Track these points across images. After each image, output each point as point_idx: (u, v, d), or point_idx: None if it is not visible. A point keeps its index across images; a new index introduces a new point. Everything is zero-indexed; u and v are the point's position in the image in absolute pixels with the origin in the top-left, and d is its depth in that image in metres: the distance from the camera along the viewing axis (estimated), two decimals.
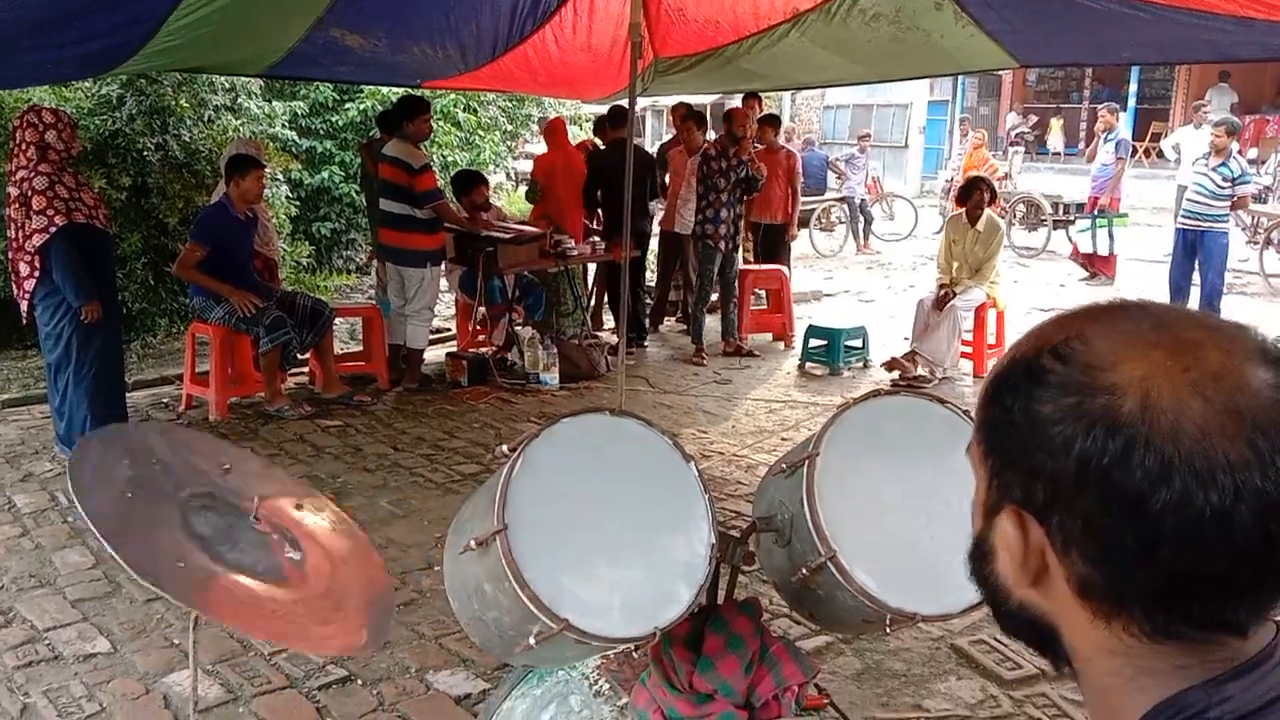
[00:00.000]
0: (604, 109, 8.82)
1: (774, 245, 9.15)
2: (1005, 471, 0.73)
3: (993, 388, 0.75)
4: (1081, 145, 21.55)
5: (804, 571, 1.67)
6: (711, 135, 8.92)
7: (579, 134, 11.96)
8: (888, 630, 1.67)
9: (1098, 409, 0.66)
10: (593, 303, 8.86)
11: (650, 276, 10.24)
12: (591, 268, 8.87)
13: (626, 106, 8.36)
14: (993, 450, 0.74)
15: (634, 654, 1.63)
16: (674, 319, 9.25)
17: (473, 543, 1.55)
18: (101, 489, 1.79)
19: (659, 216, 8.77)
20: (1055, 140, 21.98)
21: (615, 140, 8.33)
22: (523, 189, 11.75)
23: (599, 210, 8.59)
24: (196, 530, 1.81)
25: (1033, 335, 0.75)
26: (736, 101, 9.38)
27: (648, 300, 9.20)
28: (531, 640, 1.55)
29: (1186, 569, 0.65)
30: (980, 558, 0.78)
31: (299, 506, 2.07)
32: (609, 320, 8.95)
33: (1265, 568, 0.65)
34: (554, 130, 8.51)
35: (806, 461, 1.69)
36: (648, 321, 8.78)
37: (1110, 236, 11.50)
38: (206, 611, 1.66)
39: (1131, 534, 0.65)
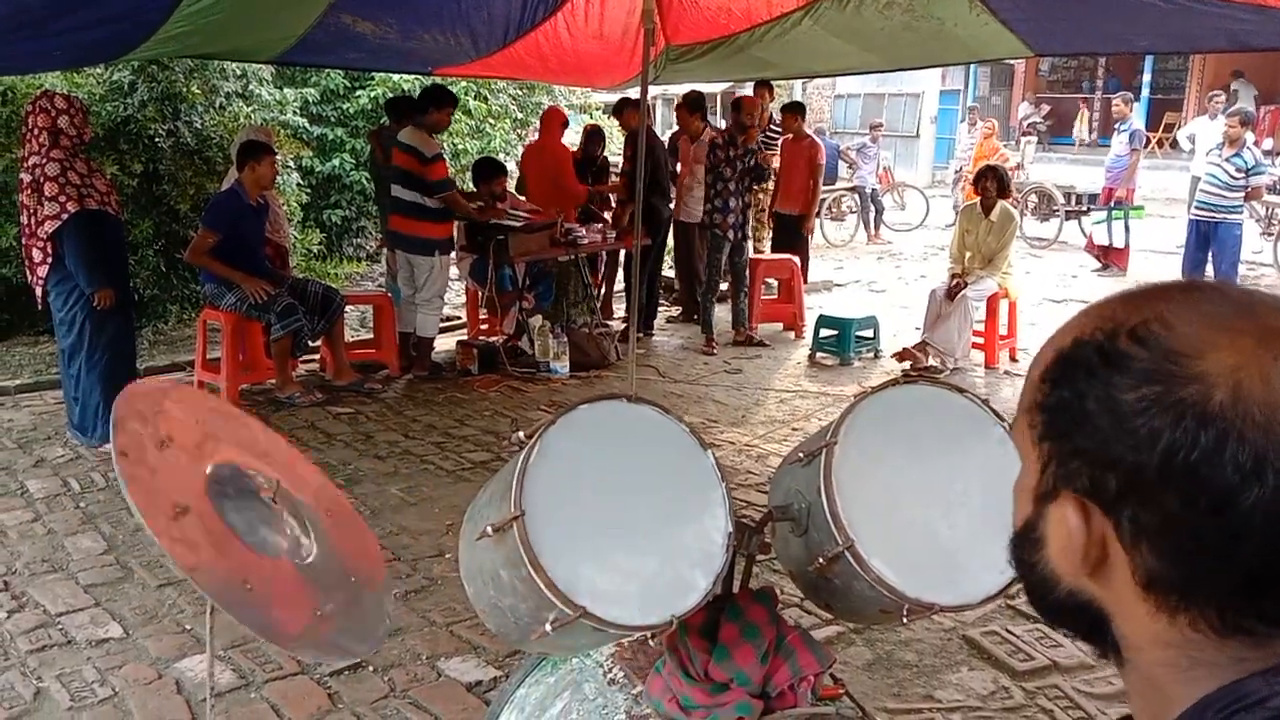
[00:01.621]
0: (614, 97, 8.81)
1: (791, 236, 9.13)
2: (1070, 459, 0.69)
3: (1055, 370, 0.71)
4: (1093, 136, 21.48)
5: (821, 561, 1.66)
6: (722, 124, 8.90)
7: (587, 120, 11.95)
8: (905, 620, 1.66)
9: (1188, 399, 0.62)
10: (602, 291, 8.85)
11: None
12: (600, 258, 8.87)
13: (624, 98, 8.44)
14: (1055, 436, 0.70)
15: (649, 642, 1.62)
16: (674, 308, 9.23)
17: (489, 529, 1.54)
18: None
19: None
20: (1081, 129, 21.77)
21: (629, 130, 8.35)
22: None
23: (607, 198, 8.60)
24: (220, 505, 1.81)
25: (1095, 315, 0.70)
26: (748, 89, 9.35)
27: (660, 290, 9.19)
28: (547, 627, 1.54)
29: (1270, 566, 0.62)
30: (1027, 544, 0.74)
31: (314, 494, 2.06)
32: (619, 309, 8.94)
33: None
34: (543, 119, 8.52)
35: (824, 450, 1.68)
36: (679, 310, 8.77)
37: (1126, 229, 11.45)
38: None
39: (1216, 530, 0.62)
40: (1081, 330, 0.70)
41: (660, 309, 9.19)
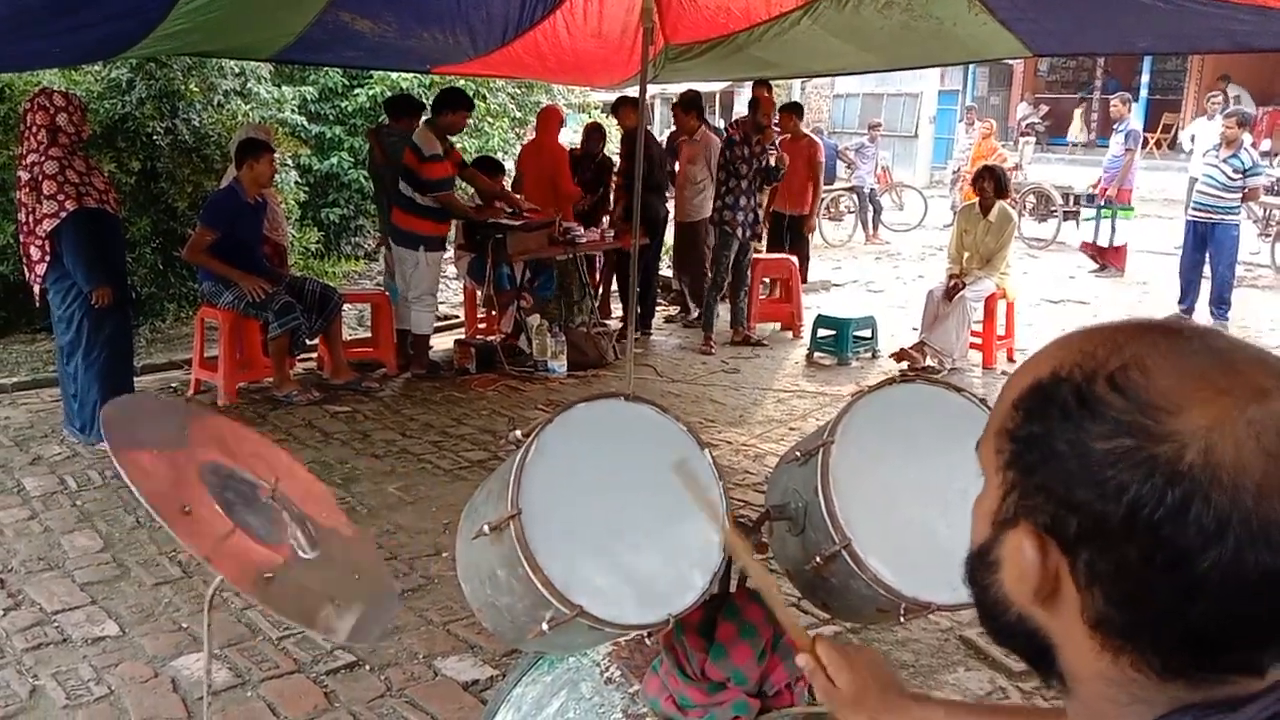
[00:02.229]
0: (613, 96, 8.81)
1: (792, 236, 9.13)
2: (1034, 493, 0.69)
3: (1030, 400, 0.70)
4: (1090, 137, 21.48)
5: (818, 560, 1.66)
6: (720, 124, 8.89)
7: (586, 119, 11.93)
8: (902, 619, 1.66)
9: (1159, 457, 0.62)
10: (600, 291, 8.85)
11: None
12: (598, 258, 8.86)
13: (623, 96, 8.44)
14: (1021, 467, 0.70)
15: (646, 641, 1.62)
16: (673, 308, 9.22)
17: (486, 527, 1.54)
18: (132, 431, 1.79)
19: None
20: (1076, 130, 21.76)
21: (624, 128, 8.35)
22: None
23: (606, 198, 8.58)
24: (214, 492, 1.80)
25: (1076, 350, 0.69)
26: (747, 89, 9.35)
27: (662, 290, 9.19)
28: (544, 626, 1.54)
29: (1220, 625, 0.63)
30: (982, 566, 0.74)
31: (315, 503, 2.06)
32: (617, 309, 8.94)
33: None
34: (540, 118, 8.52)
35: (821, 449, 1.67)
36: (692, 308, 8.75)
37: (1113, 228, 11.45)
38: (211, 561, 1.65)
39: (1170, 588, 0.63)
40: (1060, 364, 0.70)
41: (659, 308, 9.19)
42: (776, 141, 7.88)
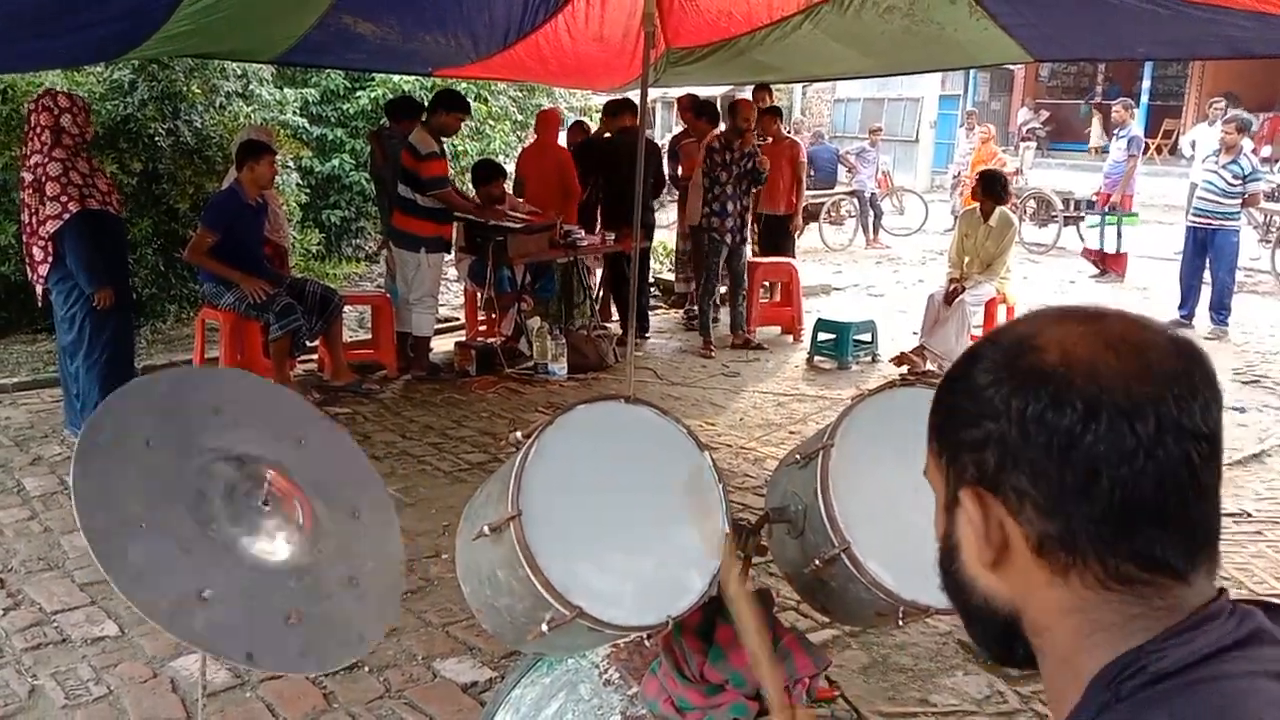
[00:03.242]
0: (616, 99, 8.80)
1: (778, 237, 9.12)
2: (958, 454, 0.80)
3: (939, 391, 0.84)
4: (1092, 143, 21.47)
5: (817, 563, 1.67)
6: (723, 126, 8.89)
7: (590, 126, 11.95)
8: (900, 623, 1.66)
9: (1026, 365, 0.75)
10: (600, 294, 8.85)
11: (657, 269, 10.24)
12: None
13: (623, 98, 8.45)
14: (944, 442, 0.82)
15: (645, 643, 1.63)
16: (678, 311, 9.23)
17: (486, 529, 1.54)
18: (105, 476, 1.77)
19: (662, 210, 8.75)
20: (1097, 135, 21.65)
21: (616, 129, 8.33)
22: None
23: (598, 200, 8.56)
24: (198, 516, 1.79)
25: (968, 348, 0.84)
26: (746, 93, 9.36)
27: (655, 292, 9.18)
28: (544, 627, 1.55)
29: (1124, 498, 0.72)
30: (948, 557, 0.84)
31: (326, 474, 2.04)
32: (616, 312, 8.93)
33: (1191, 496, 0.73)
34: (539, 121, 8.52)
35: (821, 452, 1.68)
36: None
37: (1118, 235, 11.46)
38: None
39: (1072, 469, 0.73)
40: (954, 363, 0.84)
41: (659, 311, 9.20)
42: (758, 145, 7.86)
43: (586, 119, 10.89)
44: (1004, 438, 0.75)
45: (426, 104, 7.40)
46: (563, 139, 9.00)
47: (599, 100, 13.82)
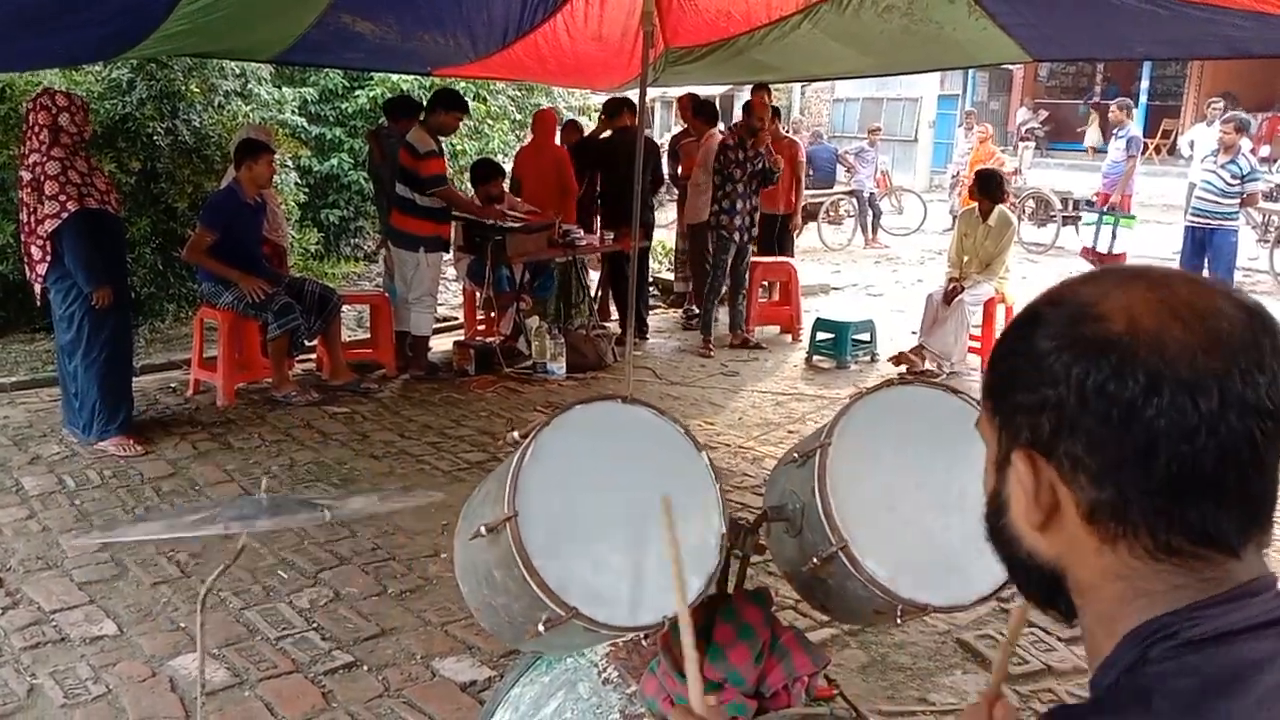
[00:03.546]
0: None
1: (777, 236, 9.13)
2: (1013, 416, 0.79)
3: (997, 350, 0.83)
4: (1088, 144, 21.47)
5: (815, 561, 1.67)
6: (721, 126, 8.89)
7: (589, 125, 11.96)
8: (899, 621, 1.66)
9: (1090, 333, 0.74)
10: (599, 294, 8.85)
11: (656, 268, 10.23)
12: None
13: (622, 98, 8.45)
14: (1000, 402, 0.81)
15: (643, 642, 1.63)
16: (677, 310, 9.22)
17: (483, 529, 1.54)
18: None
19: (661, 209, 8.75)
20: (1094, 136, 21.66)
21: (615, 129, 8.32)
22: None
23: (596, 200, 8.56)
24: None
25: (1029, 303, 0.83)
26: (747, 93, 9.35)
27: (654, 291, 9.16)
28: (540, 627, 1.54)
29: (1181, 473, 0.71)
30: (995, 513, 0.84)
31: None
32: (615, 312, 8.93)
33: (1250, 473, 0.72)
34: (536, 121, 8.52)
35: (819, 451, 1.68)
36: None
37: (1113, 235, 11.46)
38: None
39: (1130, 441, 0.71)
40: (1016, 318, 0.82)
41: (658, 310, 9.20)
42: (770, 145, 7.87)
43: (585, 118, 10.90)
44: (1062, 404, 0.74)
45: (425, 103, 7.40)
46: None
47: (598, 100, 13.83)
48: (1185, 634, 0.71)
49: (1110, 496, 0.74)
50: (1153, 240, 13.23)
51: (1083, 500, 0.75)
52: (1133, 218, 11.77)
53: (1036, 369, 0.76)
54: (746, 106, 7.90)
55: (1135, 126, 11.95)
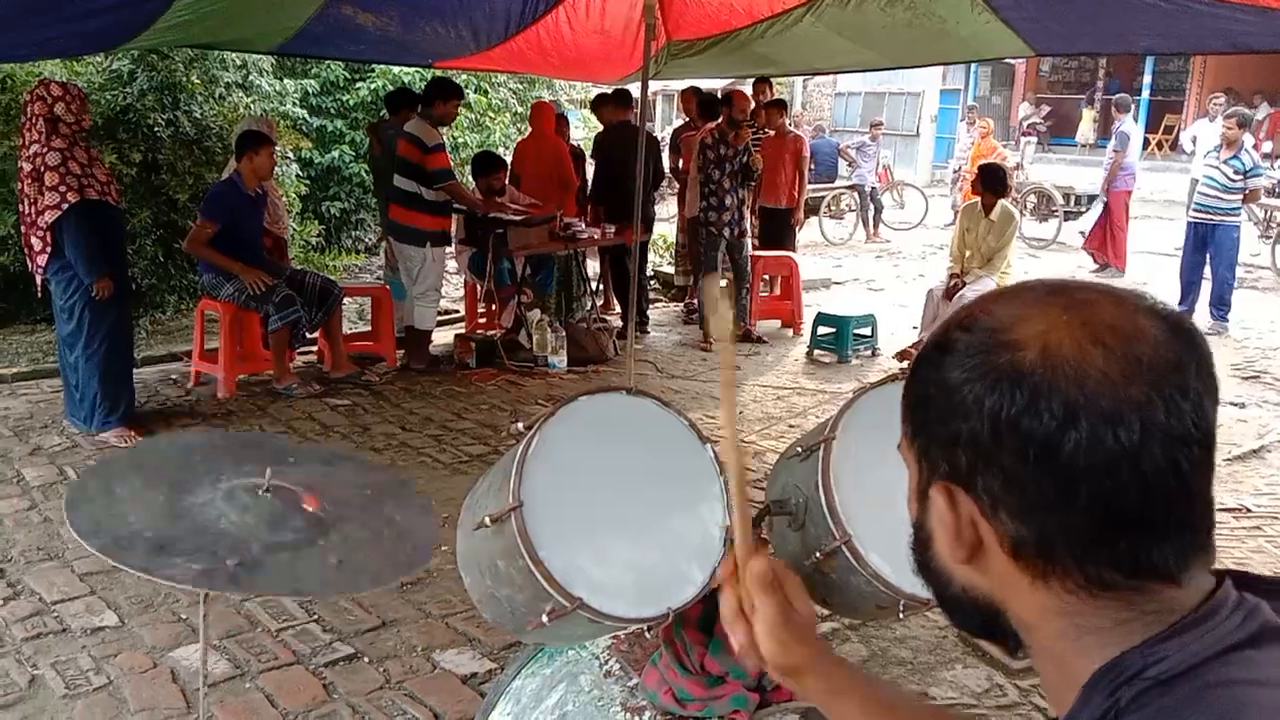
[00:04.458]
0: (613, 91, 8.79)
1: (779, 230, 9.12)
2: (929, 448, 0.75)
3: (911, 376, 0.78)
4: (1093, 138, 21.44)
5: (818, 556, 1.67)
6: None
7: (588, 115, 11.94)
8: (901, 616, 1.66)
9: (1002, 364, 0.69)
10: (600, 287, 8.85)
11: (657, 261, 10.23)
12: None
13: (608, 92, 8.45)
14: (916, 431, 0.77)
15: (646, 634, 1.62)
16: (678, 304, 9.23)
17: (487, 519, 1.54)
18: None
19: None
20: (1087, 130, 21.67)
21: (613, 123, 8.33)
22: None
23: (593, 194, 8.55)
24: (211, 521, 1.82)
25: (943, 323, 0.78)
26: (744, 86, 9.35)
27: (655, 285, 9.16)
28: (544, 618, 1.54)
29: (1105, 508, 0.67)
30: (920, 544, 0.79)
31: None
32: (616, 305, 8.93)
33: (1179, 502, 0.68)
34: (533, 114, 8.51)
35: (822, 445, 1.68)
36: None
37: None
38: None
39: (1049, 479, 0.68)
40: (931, 336, 0.78)
41: (659, 304, 9.19)
42: (756, 140, 7.82)
43: (588, 111, 10.90)
44: (976, 439, 0.70)
45: (422, 95, 7.34)
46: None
47: (598, 93, 13.84)
48: (1152, 671, 0.66)
49: (1033, 534, 0.70)
50: (1155, 236, 13.23)
51: (1005, 536, 0.71)
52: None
53: (948, 401, 0.71)
54: (726, 100, 7.84)
55: (1129, 122, 11.93)
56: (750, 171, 7.72)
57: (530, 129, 8.38)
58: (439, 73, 8.71)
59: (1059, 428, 0.66)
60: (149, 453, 2.42)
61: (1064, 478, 0.67)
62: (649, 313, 8.56)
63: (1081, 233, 11.95)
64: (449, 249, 7.61)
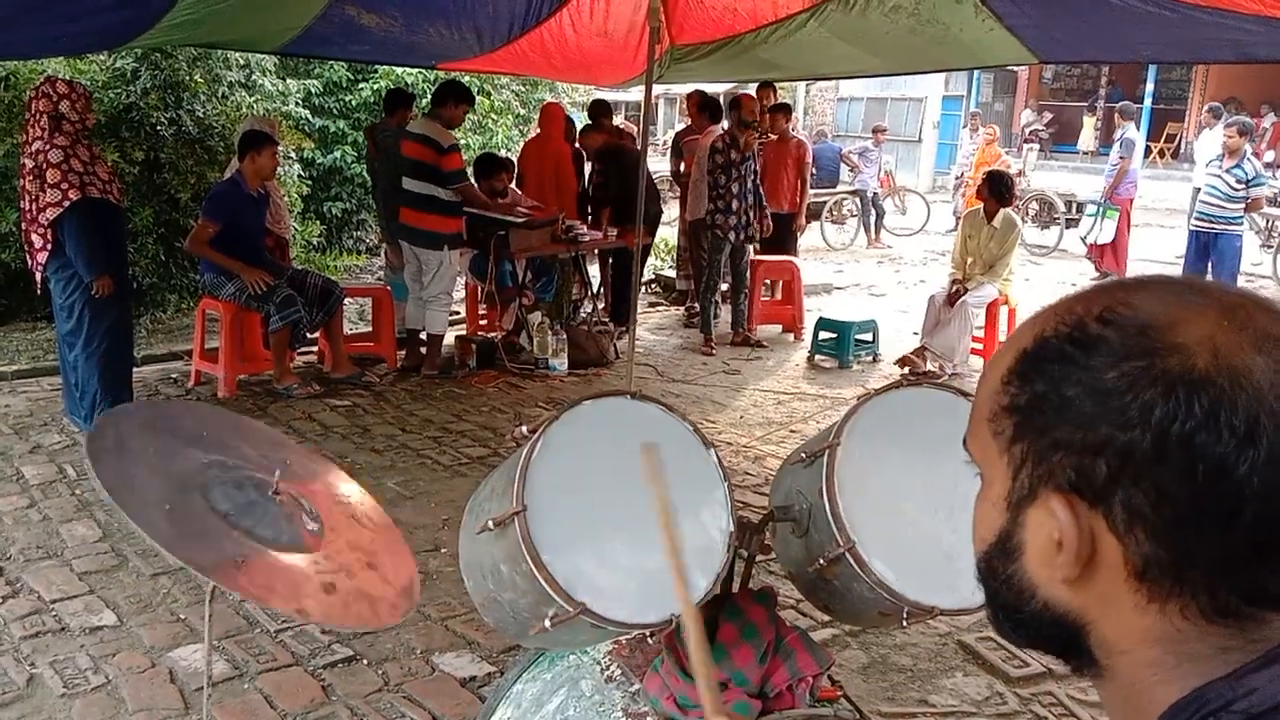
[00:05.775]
0: (617, 95, 8.79)
1: (781, 235, 9.12)
2: (1050, 454, 0.66)
3: (1022, 367, 0.69)
4: (1095, 145, 21.46)
5: (821, 562, 1.66)
6: (725, 124, 8.88)
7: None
8: (905, 623, 1.66)
9: (1173, 369, 0.61)
10: (601, 290, 8.84)
11: (658, 265, 10.23)
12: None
13: (603, 103, 8.45)
14: (1030, 434, 0.68)
15: (648, 640, 1.62)
16: (681, 307, 9.22)
17: (490, 523, 1.54)
18: (121, 463, 1.79)
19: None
20: (1088, 138, 21.67)
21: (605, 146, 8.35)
22: None
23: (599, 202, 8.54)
24: (217, 507, 1.80)
25: (1053, 314, 0.69)
26: (752, 90, 9.34)
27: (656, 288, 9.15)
28: (547, 623, 1.54)
29: (1267, 534, 0.61)
30: (1001, 557, 0.72)
31: (321, 480, 2.07)
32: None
33: None
34: (542, 115, 8.50)
35: (827, 451, 1.67)
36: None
37: (1100, 227, 11.47)
38: (228, 585, 1.66)
39: (1214, 500, 0.61)
40: (1042, 329, 0.69)
41: (660, 308, 9.18)
42: (760, 145, 7.82)
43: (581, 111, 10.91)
44: (1131, 450, 0.62)
45: (421, 95, 7.30)
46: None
47: (601, 96, 13.83)
48: (1241, 705, 0.61)
49: (1171, 556, 0.63)
50: (1157, 244, 13.23)
51: (1134, 557, 0.64)
52: (1115, 209, 11.76)
53: (1100, 405, 0.63)
54: (734, 103, 7.84)
55: (1132, 129, 11.95)
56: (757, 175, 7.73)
57: (539, 130, 8.37)
58: (442, 74, 8.71)
59: (1237, 445, 0.60)
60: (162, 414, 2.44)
61: (1232, 500, 0.60)
62: (638, 315, 8.56)
63: (1082, 239, 11.94)
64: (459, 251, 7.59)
